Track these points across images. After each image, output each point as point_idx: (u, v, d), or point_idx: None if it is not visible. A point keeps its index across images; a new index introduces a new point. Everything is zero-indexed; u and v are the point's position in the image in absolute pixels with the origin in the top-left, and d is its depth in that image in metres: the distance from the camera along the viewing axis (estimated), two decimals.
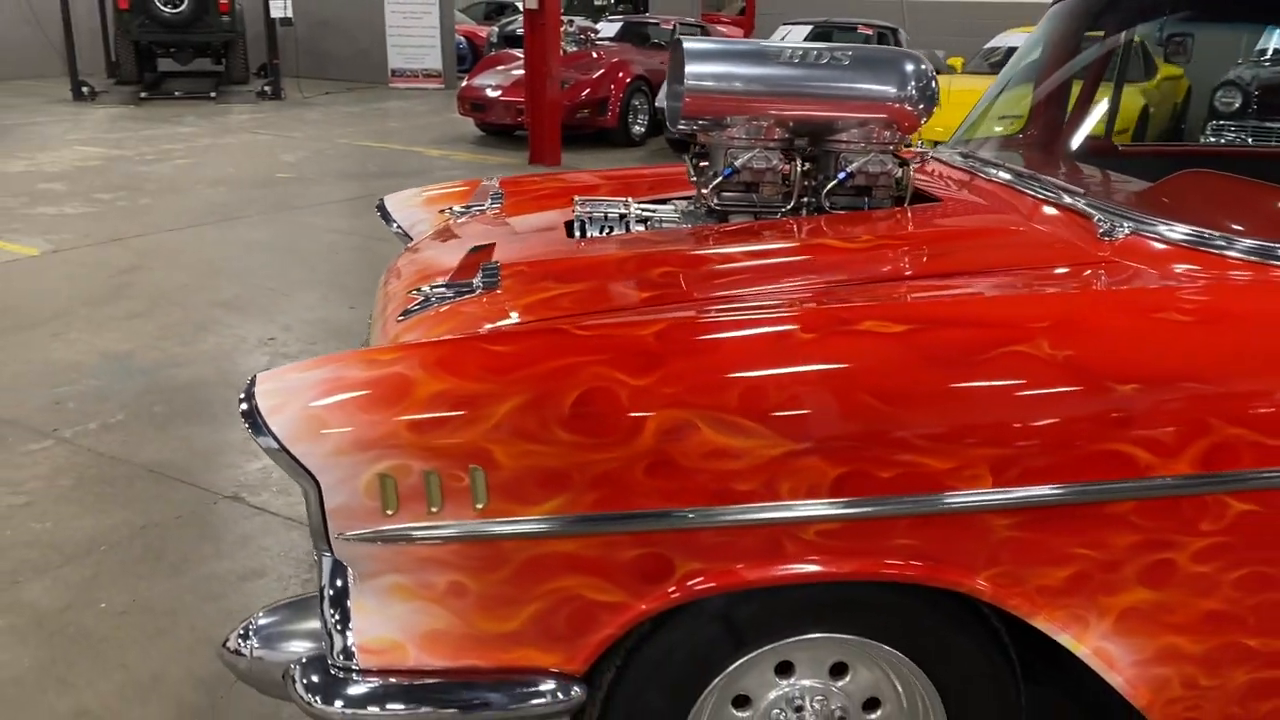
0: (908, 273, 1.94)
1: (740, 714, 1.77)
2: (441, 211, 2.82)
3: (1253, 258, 1.80)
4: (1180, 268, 1.83)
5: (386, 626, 1.58)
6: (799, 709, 1.76)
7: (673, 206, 2.43)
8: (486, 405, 1.49)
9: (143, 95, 14.08)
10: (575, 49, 11.95)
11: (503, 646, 1.58)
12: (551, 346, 1.58)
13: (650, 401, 1.50)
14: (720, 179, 2.27)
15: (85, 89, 13.82)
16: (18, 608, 2.71)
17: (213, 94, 14.43)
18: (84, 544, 3.02)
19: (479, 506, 1.50)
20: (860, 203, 2.33)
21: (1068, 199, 2.12)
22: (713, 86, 2.20)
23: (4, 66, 15.72)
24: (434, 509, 1.50)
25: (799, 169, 2.28)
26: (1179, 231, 1.90)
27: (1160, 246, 1.90)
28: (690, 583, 1.56)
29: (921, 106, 2.29)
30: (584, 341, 1.59)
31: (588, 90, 10.99)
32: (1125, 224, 1.96)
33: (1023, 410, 1.57)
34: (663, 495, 1.51)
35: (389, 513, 1.50)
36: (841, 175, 2.27)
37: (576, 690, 1.60)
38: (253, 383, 1.57)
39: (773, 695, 1.76)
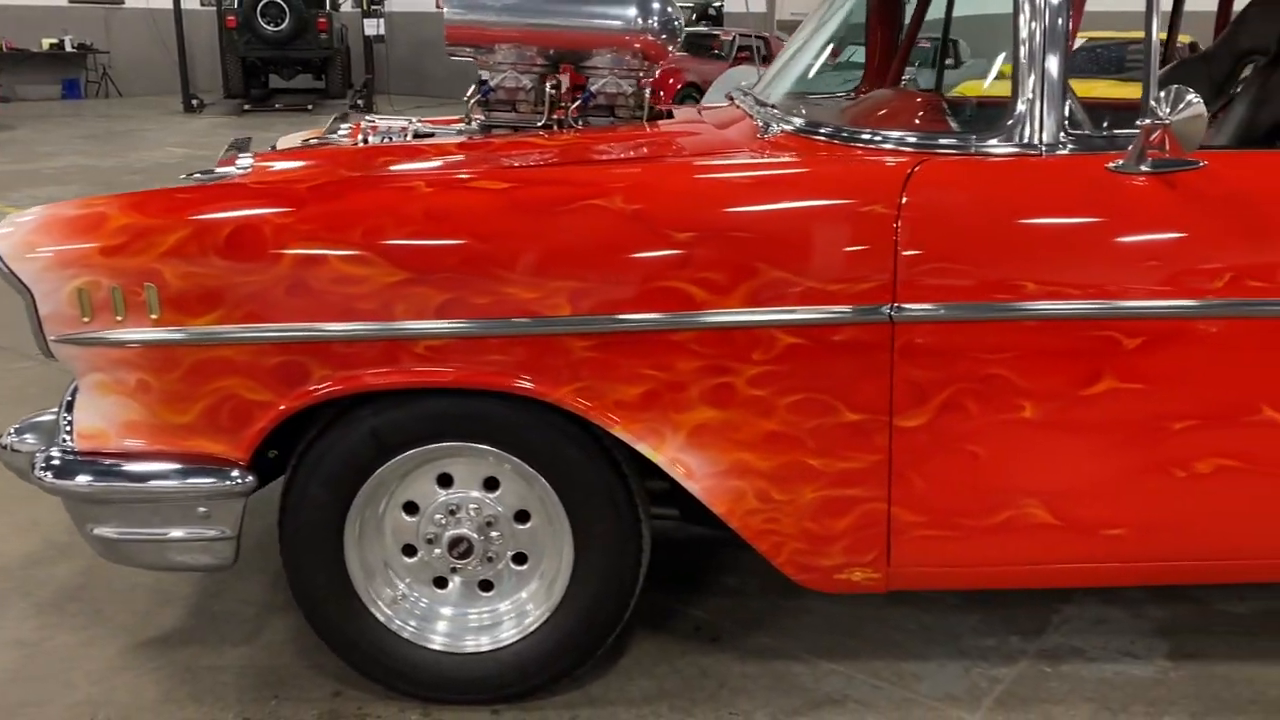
0: (574, 158, 2.28)
1: (409, 519, 2.13)
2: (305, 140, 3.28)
3: (837, 141, 2.08)
4: (787, 155, 2.12)
5: (95, 417, 2.00)
6: (454, 514, 2.11)
7: (456, 129, 2.82)
8: (159, 235, 1.90)
9: (246, 107, 15.23)
10: None
11: (182, 435, 1.99)
12: (221, 193, 1.99)
13: (290, 237, 1.89)
14: (479, 96, 2.66)
15: (195, 101, 15.05)
16: None
17: (309, 106, 15.48)
18: None
19: (153, 317, 1.91)
20: (606, 120, 2.67)
21: (757, 112, 2.42)
22: (468, 18, 2.59)
23: (136, 83, 17.23)
24: (118, 318, 1.92)
25: (548, 89, 2.64)
26: (812, 127, 2.18)
27: (790, 137, 2.19)
28: (321, 386, 1.94)
29: (665, 38, 2.62)
30: (249, 190, 2.01)
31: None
32: (780, 125, 2.25)
33: (596, 252, 1.90)
34: (300, 312, 1.90)
35: (85, 320, 1.93)
36: (585, 95, 2.62)
37: (238, 475, 1.99)
38: None
39: (435, 503, 2.12)
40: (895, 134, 2.03)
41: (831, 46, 2.79)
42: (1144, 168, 1.87)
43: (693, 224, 1.89)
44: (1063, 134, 1.92)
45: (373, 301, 1.89)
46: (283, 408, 1.95)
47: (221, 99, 16.01)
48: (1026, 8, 1.91)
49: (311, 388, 1.94)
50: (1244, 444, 1.93)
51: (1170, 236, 1.88)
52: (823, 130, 2.14)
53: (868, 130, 2.07)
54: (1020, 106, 1.92)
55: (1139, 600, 2.57)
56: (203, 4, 17.50)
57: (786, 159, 2.08)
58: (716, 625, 2.48)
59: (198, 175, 2.29)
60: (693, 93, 11.76)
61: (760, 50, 13.89)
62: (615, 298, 1.89)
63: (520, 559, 2.15)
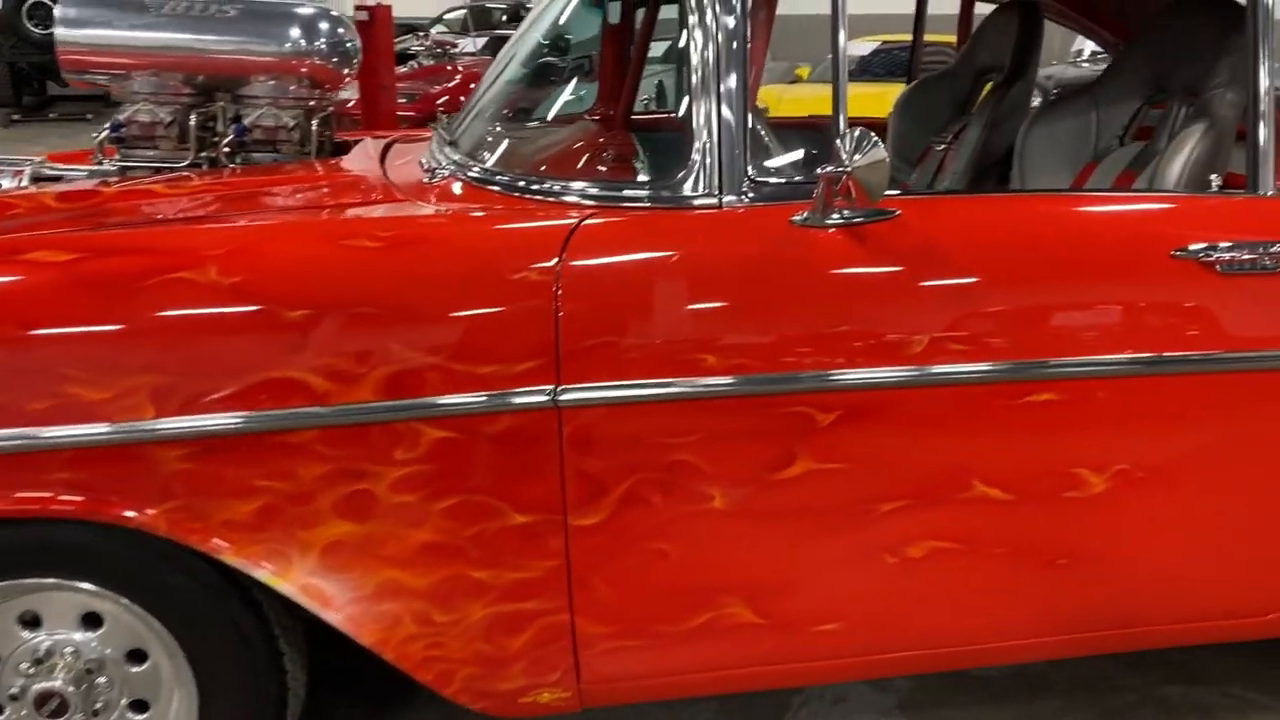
0: (193, 213, 1.89)
1: None
2: None
3: (500, 190, 1.78)
4: (438, 208, 1.81)
5: None
6: (44, 661, 1.69)
7: (89, 170, 2.38)
8: None
9: (15, 117, 13.89)
10: (432, 62, 11.95)
11: None
12: None
13: None
14: (108, 132, 2.24)
15: None
16: None
17: (89, 115, 14.24)
18: None
19: None
20: (269, 157, 2.29)
21: (435, 152, 2.08)
22: (82, 37, 2.17)
23: None
24: None
25: (193, 124, 2.24)
26: (478, 172, 1.88)
27: (455, 185, 1.87)
28: None
29: (336, 61, 2.27)
30: None
31: (437, 102, 10.97)
32: (448, 170, 1.93)
33: (185, 339, 1.53)
34: None
35: None
36: (237, 129, 2.24)
37: None
38: None
39: (19, 649, 1.70)
40: (559, 183, 1.75)
41: (541, 65, 2.50)
42: (830, 220, 1.64)
43: (309, 298, 1.55)
44: (745, 182, 1.67)
45: None
46: None
47: None
48: (697, 34, 1.66)
49: None
50: (957, 523, 1.73)
51: (862, 298, 1.66)
52: (491, 178, 1.84)
53: (533, 178, 1.78)
54: (694, 153, 1.66)
55: None
56: None
57: (432, 213, 1.77)
58: None
59: None
60: None
61: None
62: (213, 395, 1.53)
63: (140, 706, 1.76)
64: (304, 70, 2.23)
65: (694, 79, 1.64)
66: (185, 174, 2.18)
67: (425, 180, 1.94)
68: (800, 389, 1.63)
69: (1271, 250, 1.70)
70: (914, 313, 1.66)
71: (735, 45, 1.65)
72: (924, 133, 2.98)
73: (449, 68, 11.77)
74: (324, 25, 2.24)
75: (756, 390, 1.63)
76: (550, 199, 1.74)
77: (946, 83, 2.98)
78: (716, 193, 1.67)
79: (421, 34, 13.22)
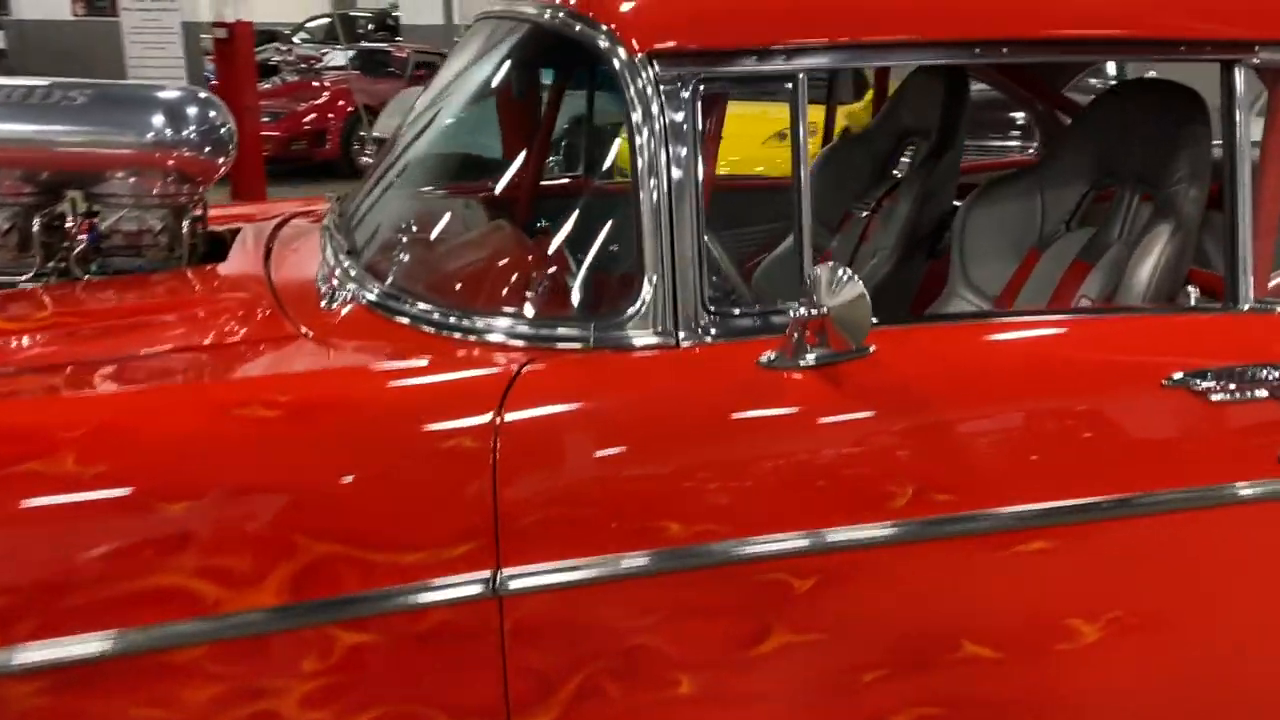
0: (38, 365, 1.56)
1: None
2: None
3: (416, 324, 1.53)
4: (345, 354, 1.54)
5: None
6: None
7: None
8: None
9: None
10: (296, 78, 11.41)
11: None
12: None
13: None
14: None
15: None
16: None
17: None
18: None
19: None
20: (132, 265, 1.97)
21: (330, 263, 1.79)
22: None
23: None
24: None
25: (36, 228, 1.90)
26: (388, 298, 1.60)
27: (361, 315, 1.60)
28: None
29: (210, 150, 1.96)
30: None
31: (303, 121, 10.45)
32: (348, 292, 1.66)
33: (37, 546, 1.24)
34: None
35: None
36: (91, 236, 1.92)
37: None
38: None
39: None
40: (485, 318, 1.50)
41: (446, 149, 2.23)
42: (803, 361, 1.45)
43: (191, 486, 1.27)
44: (704, 316, 1.46)
45: None
46: None
47: None
48: (644, 162, 1.44)
49: None
50: (945, 686, 1.56)
51: (840, 447, 1.48)
52: (402, 307, 1.57)
53: (453, 310, 1.53)
54: (645, 288, 1.45)
55: None
56: None
57: (339, 366, 1.51)
58: None
59: None
60: (371, 115, 10.88)
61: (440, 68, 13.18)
62: (71, 613, 1.24)
63: None
64: (171, 163, 1.92)
65: (643, 212, 1.42)
66: (28, 290, 1.84)
67: (323, 305, 1.67)
68: (774, 554, 1.43)
69: (1263, 375, 1.58)
70: (895, 461, 1.48)
71: (687, 174, 1.44)
72: (842, 196, 2.83)
73: (315, 84, 11.24)
74: (192, 110, 1.93)
75: (726, 558, 1.42)
76: (475, 339, 1.49)
77: (864, 144, 2.84)
78: (672, 330, 1.45)
79: (285, 47, 12.58)
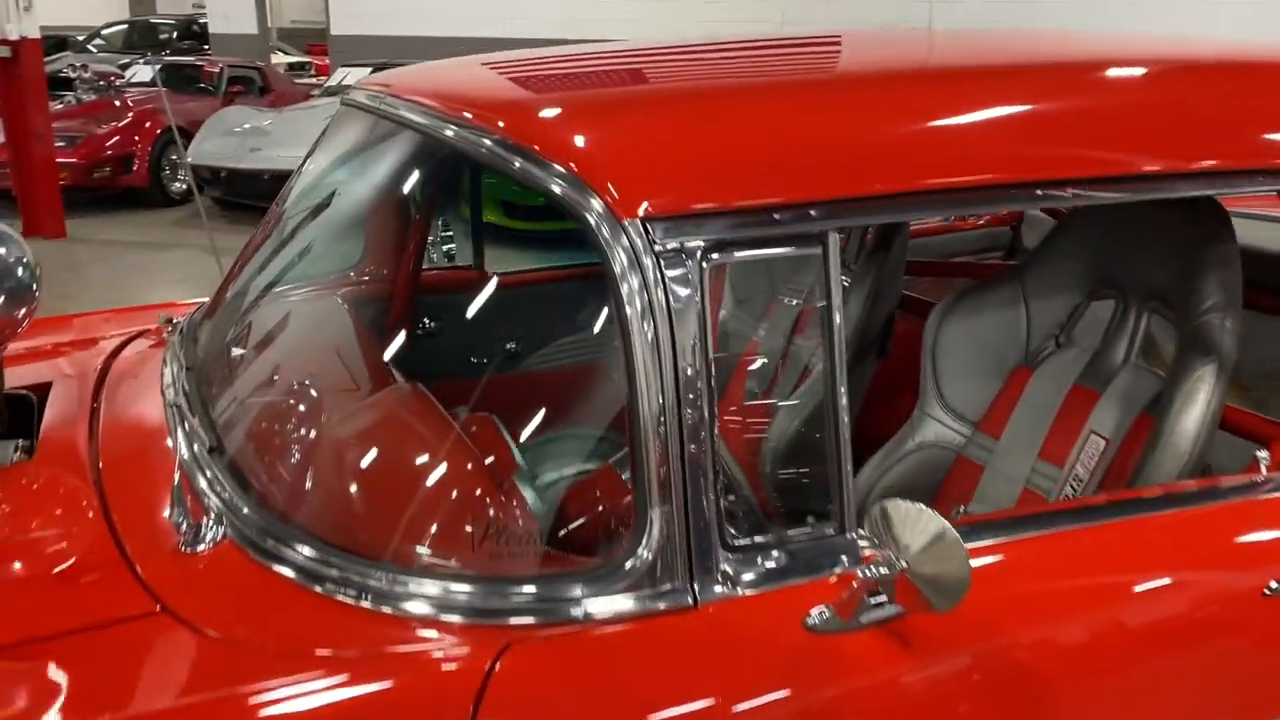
0: None
1: None
2: None
3: (347, 593, 1.09)
4: (236, 633, 1.09)
5: None
6: None
7: None
8: None
9: None
10: (95, 97, 10.33)
11: None
12: None
13: None
14: None
15: None
16: None
17: None
18: None
19: None
20: None
21: (182, 452, 1.33)
22: None
23: None
24: None
25: None
26: (293, 554, 1.15)
27: (245, 573, 1.16)
28: None
29: (6, 303, 1.44)
30: None
31: (105, 145, 9.45)
32: (217, 520, 1.20)
33: None
34: None
35: None
36: None
37: None
38: None
39: None
40: (429, 582, 1.08)
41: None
42: (866, 618, 1.10)
43: None
44: (724, 559, 1.09)
45: None
46: None
47: None
48: (641, 361, 1.06)
49: None
50: None
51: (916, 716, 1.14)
52: (303, 562, 1.13)
53: (383, 570, 1.10)
54: (652, 534, 1.06)
55: None
56: None
57: (230, 694, 1.05)
58: None
59: None
60: (183, 137, 9.95)
61: (257, 84, 12.13)
62: None
63: None
64: None
65: (641, 435, 1.04)
66: None
67: (182, 547, 1.20)
68: None
69: None
70: (981, 713, 1.15)
71: (699, 368, 1.07)
72: (767, 281, 2.53)
73: (117, 103, 10.20)
74: None
75: None
76: (420, 621, 1.07)
77: None
78: (687, 586, 1.08)
79: (80, 64, 11.38)
